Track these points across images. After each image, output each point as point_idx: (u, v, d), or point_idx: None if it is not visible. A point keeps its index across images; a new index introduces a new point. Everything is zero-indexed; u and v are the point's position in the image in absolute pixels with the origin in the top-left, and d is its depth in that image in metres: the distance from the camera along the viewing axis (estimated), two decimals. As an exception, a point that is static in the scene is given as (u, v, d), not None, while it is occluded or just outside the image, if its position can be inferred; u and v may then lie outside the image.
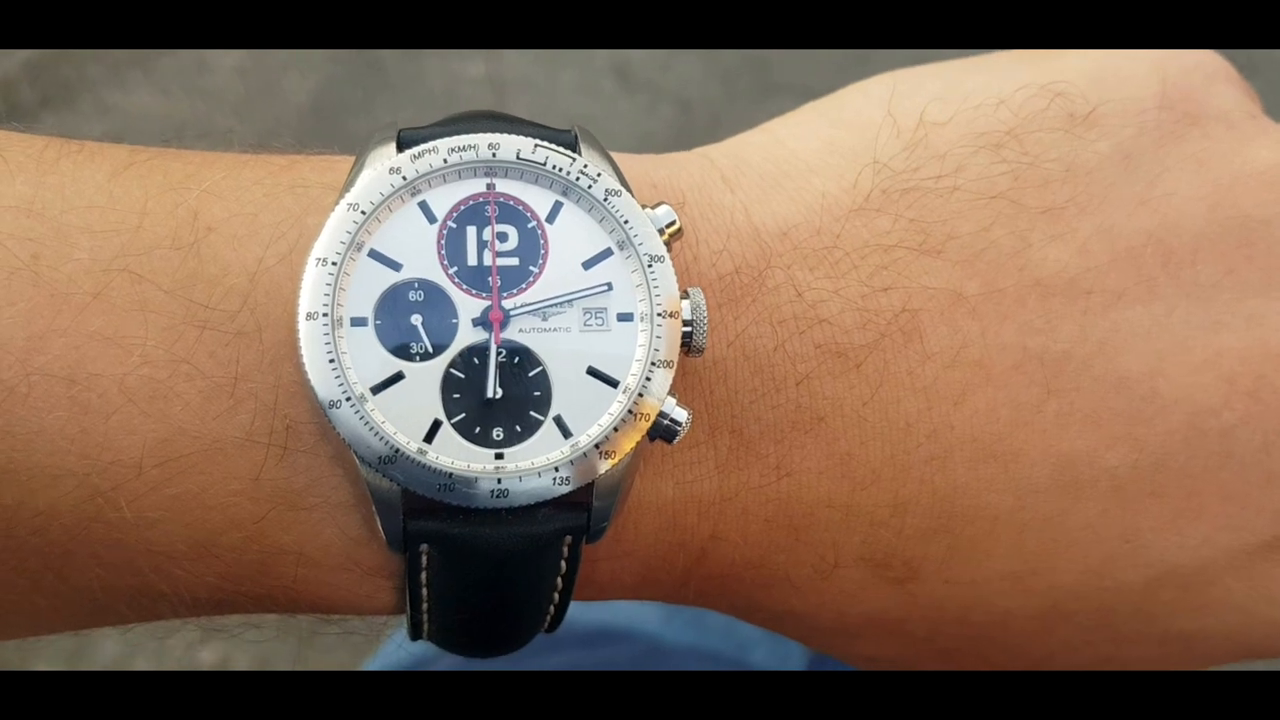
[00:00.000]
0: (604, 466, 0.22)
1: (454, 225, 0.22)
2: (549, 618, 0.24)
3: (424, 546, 0.22)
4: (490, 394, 0.22)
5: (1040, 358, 0.23)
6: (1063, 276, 0.23)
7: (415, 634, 0.24)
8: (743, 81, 1.51)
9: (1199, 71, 0.25)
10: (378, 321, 0.22)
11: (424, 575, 0.22)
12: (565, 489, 0.21)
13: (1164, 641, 0.25)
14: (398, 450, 0.21)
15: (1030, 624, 0.24)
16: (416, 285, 0.22)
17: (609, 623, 0.50)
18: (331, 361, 0.21)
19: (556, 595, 0.23)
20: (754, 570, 0.24)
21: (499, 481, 0.21)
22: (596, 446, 0.22)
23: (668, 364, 0.22)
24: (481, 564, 0.22)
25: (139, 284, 0.21)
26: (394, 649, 0.53)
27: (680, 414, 0.22)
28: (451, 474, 0.21)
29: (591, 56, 1.52)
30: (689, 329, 0.22)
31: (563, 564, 0.23)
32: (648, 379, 0.22)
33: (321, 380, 0.21)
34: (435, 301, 0.22)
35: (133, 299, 0.21)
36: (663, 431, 0.22)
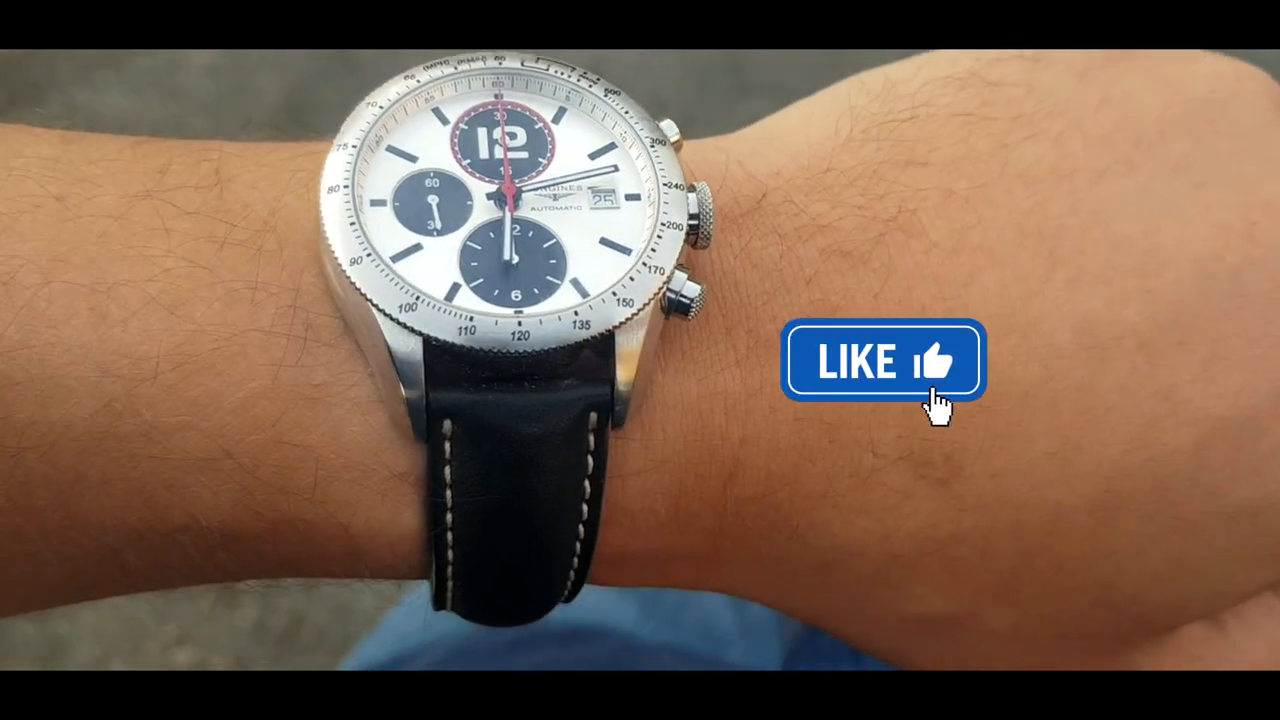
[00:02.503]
0: (622, 314, 0.22)
1: (465, 127, 0.24)
2: (579, 544, 0.23)
3: (447, 427, 0.21)
4: (507, 257, 0.22)
5: (1038, 233, 0.24)
6: (1043, 165, 0.24)
7: (440, 567, 0.23)
8: (717, 82, 1.51)
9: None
10: (396, 204, 0.23)
11: (447, 470, 0.22)
12: (585, 334, 0.22)
13: (1232, 520, 0.24)
14: (419, 297, 0.21)
15: (1087, 520, 0.24)
16: (432, 174, 0.23)
17: (584, 620, 0.50)
18: (353, 224, 0.22)
19: (585, 508, 0.23)
20: (791, 487, 0.24)
21: (519, 324, 0.21)
22: (614, 294, 0.22)
23: (677, 225, 0.23)
24: (506, 437, 0.21)
25: (163, 209, 0.22)
26: (373, 647, 0.53)
27: (693, 288, 0.22)
28: (473, 315, 0.21)
29: (567, 56, 1.52)
30: (695, 222, 0.23)
31: (590, 459, 0.22)
32: (658, 238, 0.23)
33: (342, 240, 0.22)
34: (450, 187, 0.23)
35: (156, 221, 0.22)
36: (678, 305, 0.22)
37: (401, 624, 0.53)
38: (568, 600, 0.25)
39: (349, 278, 0.21)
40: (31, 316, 0.20)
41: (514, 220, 0.23)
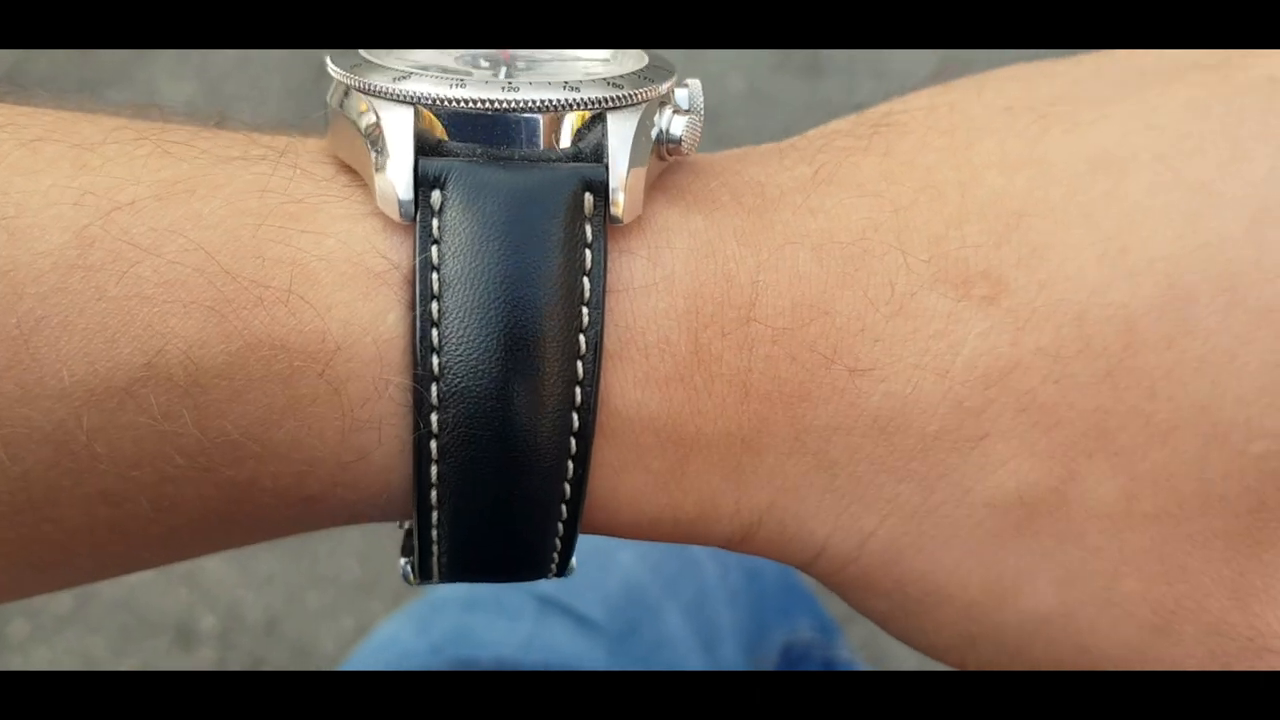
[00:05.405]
0: (613, 92, 0.22)
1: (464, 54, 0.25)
2: (581, 366, 0.21)
3: (435, 198, 0.21)
4: (500, 77, 0.23)
5: (1029, 108, 0.24)
6: (1014, 94, 0.25)
7: (423, 382, 0.21)
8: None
9: None
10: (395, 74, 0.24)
11: (435, 249, 0.21)
12: (575, 95, 0.21)
13: None
14: (413, 72, 0.21)
15: (1160, 325, 0.22)
16: (432, 68, 0.23)
17: (554, 663, 0.50)
18: (354, 65, 0.22)
19: (585, 312, 0.21)
20: (822, 318, 0.22)
21: (510, 82, 0.21)
22: (604, 79, 0.22)
23: (669, 71, 0.23)
24: (499, 197, 0.21)
25: (165, 114, 0.22)
26: (370, 651, 0.53)
27: (681, 121, 0.22)
28: (464, 78, 0.21)
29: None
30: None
31: (588, 253, 0.21)
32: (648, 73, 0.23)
33: (341, 60, 0.22)
34: (445, 70, 0.23)
35: (156, 116, 0.22)
36: (671, 138, 0.22)
37: (367, 660, 0.53)
38: (571, 511, 0.22)
39: (347, 73, 0.21)
40: (12, 172, 0.20)
41: (507, 70, 0.23)
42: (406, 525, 0.25)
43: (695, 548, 0.62)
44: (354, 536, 1.21)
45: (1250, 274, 0.22)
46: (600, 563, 0.58)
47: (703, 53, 1.51)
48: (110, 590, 1.19)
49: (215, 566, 1.21)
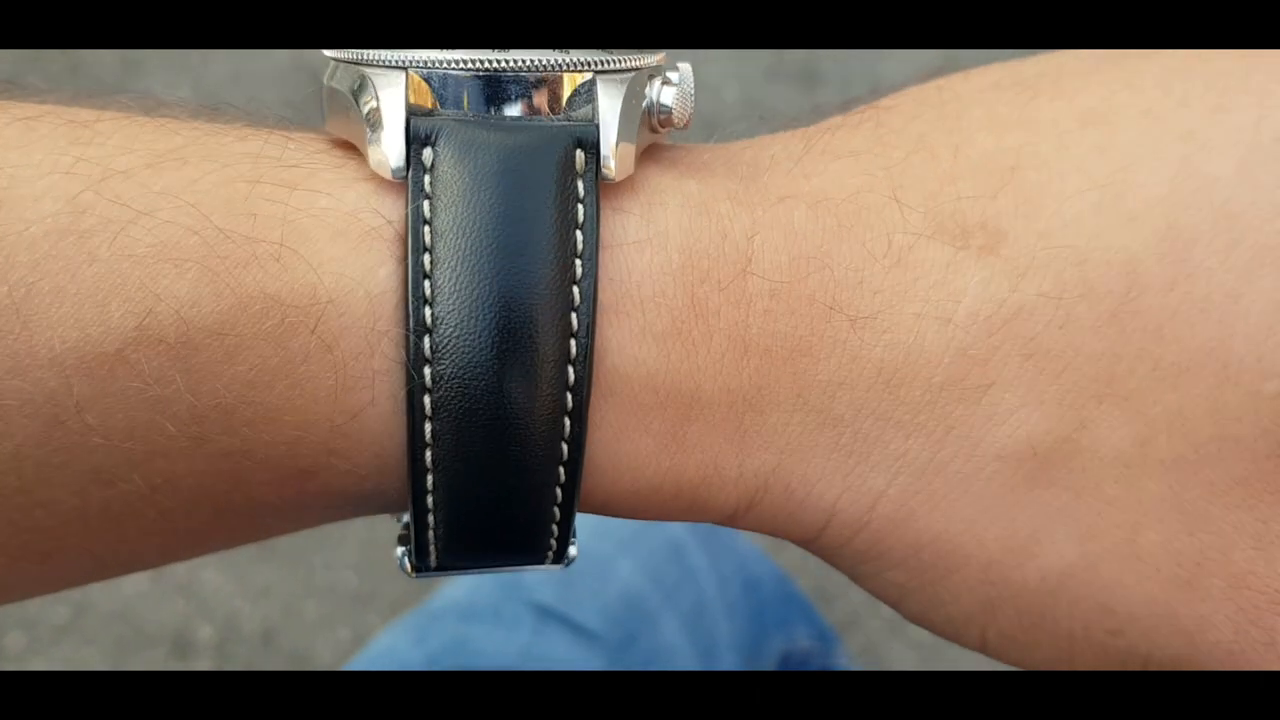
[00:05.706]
0: (603, 56, 0.22)
1: None
2: (575, 317, 0.21)
3: (427, 156, 0.21)
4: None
5: (1015, 84, 0.24)
6: (998, 74, 0.25)
7: (418, 333, 0.20)
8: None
9: None
10: None
11: (427, 205, 0.21)
12: (565, 57, 0.21)
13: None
14: (410, 58, 0.22)
15: (1162, 267, 0.22)
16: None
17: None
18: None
19: (579, 264, 0.21)
20: (820, 272, 0.22)
21: (501, 49, 0.22)
22: (595, 49, 0.22)
23: (654, 50, 0.23)
24: (488, 154, 0.21)
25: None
26: (373, 655, 0.52)
27: (670, 91, 0.23)
28: (456, 48, 0.22)
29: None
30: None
31: (580, 208, 0.21)
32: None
33: (337, 52, 0.22)
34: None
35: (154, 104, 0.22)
36: (662, 108, 0.22)
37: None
38: (569, 474, 0.21)
39: (347, 54, 0.22)
40: (5, 147, 0.20)
41: None
42: (404, 519, 0.25)
43: (694, 557, 0.62)
44: (351, 546, 1.21)
45: (1247, 214, 0.22)
46: (599, 572, 0.58)
47: (698, 61, 1.52)
48: (107, 601, 1.18)
49: (212, 577, 1.21)
